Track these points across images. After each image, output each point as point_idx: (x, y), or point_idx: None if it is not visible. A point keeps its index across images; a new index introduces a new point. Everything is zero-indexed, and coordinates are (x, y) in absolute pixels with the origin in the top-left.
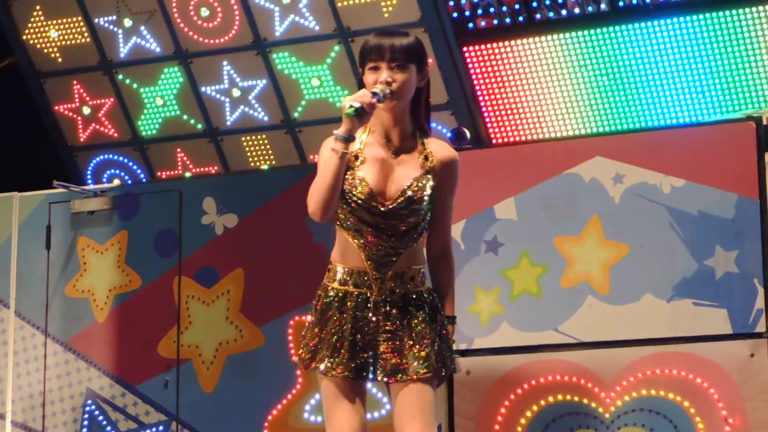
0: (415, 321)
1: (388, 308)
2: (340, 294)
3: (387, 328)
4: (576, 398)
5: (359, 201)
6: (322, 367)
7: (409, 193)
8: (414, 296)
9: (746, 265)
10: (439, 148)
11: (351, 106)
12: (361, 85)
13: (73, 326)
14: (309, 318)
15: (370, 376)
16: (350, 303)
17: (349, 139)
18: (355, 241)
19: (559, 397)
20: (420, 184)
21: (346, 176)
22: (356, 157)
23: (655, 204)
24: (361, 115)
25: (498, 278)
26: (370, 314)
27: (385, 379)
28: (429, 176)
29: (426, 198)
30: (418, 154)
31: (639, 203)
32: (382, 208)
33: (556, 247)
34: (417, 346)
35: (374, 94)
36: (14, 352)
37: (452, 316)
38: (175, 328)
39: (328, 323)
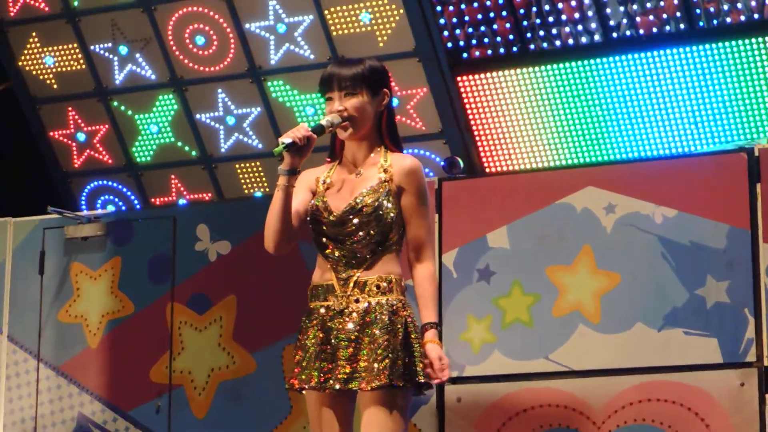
0: (375, 331)
1: (348, 318)
2: (312, 309)
3: (344, 336)
4: (567, 426)
5: (312, 215)
6: (296, 384)
7: (358, 199)
8: (377, 303)
9: (737, 294)
10: (397, 160)
11: (281, 143)
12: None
13: (65, 351)
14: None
15: (335, 386)
16: (318, 316)
17: (291, 171)
18: (323, 257)
19: (551, 425)
20: (372, 193)
21: (312, 200)
22: (324, 182)
23: (647, 234)
24: (297, 150)
25: (490, 307)
26: (334, 324)
27: (338, 387)
28: (386, 184)
29: (378, 204)
30: (379, 168)
31: (631, 233)
32: (332, 218)
33: (548, 276)
34: (373, 356)
35: (319, 125)
36: (6, 376)
37: (433, 322)
38: (167, 354)
39: (303, 341)
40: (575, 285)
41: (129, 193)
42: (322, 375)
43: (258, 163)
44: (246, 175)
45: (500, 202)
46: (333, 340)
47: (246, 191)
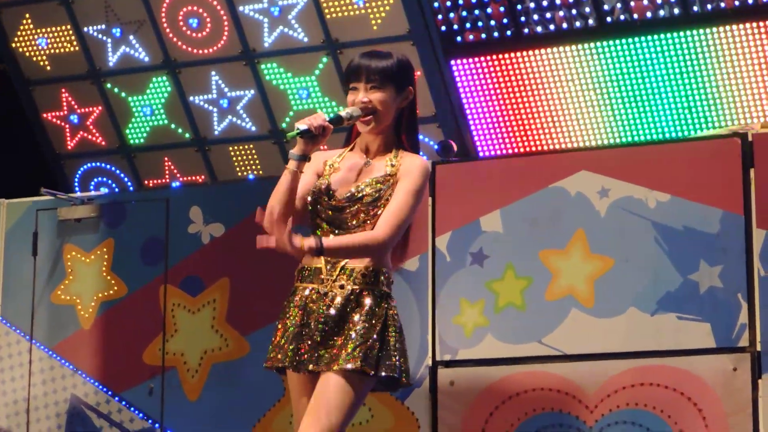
0: (355, 317)
1: (330, 302)
2: (296, 289)
3: (324, 320)
4: (560, 410)
5: (315, 195)
6: (269, 363)
7: (361, 187)
8: (361, 291)
9: (730, 279)
10: (409, 159)
11: (297, 129)
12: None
13: (58, 333)
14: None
15: (308, 366)
16: (300, 297)
17: (302, 157)
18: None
19: (543, 408)
20: (375, 184)
21: (316, 182)
22: (331, 166)
23: (641, 218)
24: (311, 137)
25: (483, 290)
26: (316, 306)
27: (310, 368)
28: (390, 179)
29: (378, 195)
30: (387, 163)
31: (624, 217)
32: (333, 202)
33: (541, 260)
34: (347, 341)
35: (337, 116)
36: None
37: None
38: (160, 336)
39: (283, 320)
40: (568, 269)
41: (122, 175)
42: (297, 355)
43: (251, 146)
44: (239, 158)
45: (494, 186)
46: (312, 323)
47: (239, 174)
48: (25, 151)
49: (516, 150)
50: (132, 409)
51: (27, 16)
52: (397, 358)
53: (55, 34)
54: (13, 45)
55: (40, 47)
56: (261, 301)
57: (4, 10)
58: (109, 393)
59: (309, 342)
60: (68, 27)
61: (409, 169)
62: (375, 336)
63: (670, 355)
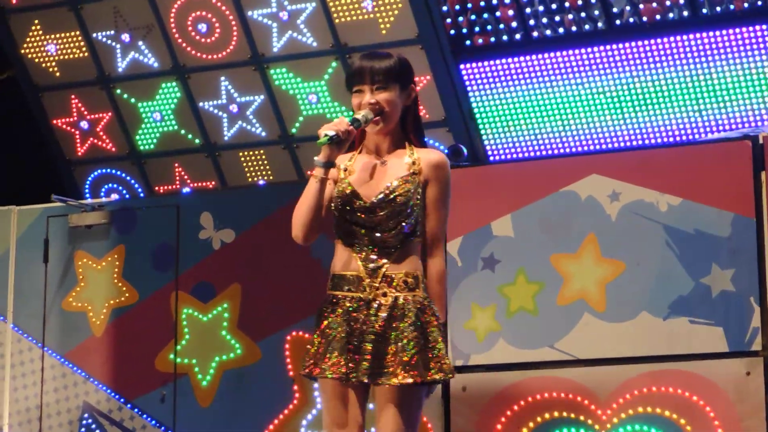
0: (403, 325)
1: (377, 311)
2: (335, 299)
3: (374, 329)
4: (572, 415)
5: (343, 201)
6: (316, 371)
7: (391, 188)
8: (404, 301)
9: (742, 283)
10: (426, 153)
11: (325, 135)
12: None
13: (70, 340)
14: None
15: (363, 379)
16: (342, 307)
17: (327, 164)
18: (348, 245)
19: (555, 414)
20: (403, 183)
21: (335, 187)
22: (345, 170)
23: (652, 222)
24: (337, 142)
25: (495, 295)
26: (361, 316)
27: (365, 381)
28: (415, 177)
29: (409, 195)
30: (407, 159)
31: (635, 221)
32: (366, 204)
33: (552, 265)
34: (402, 352)
35: (354, 120)
36: (11, 365)
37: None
38: (172, 343)
39: (324, 329)
40: (580, 273)
41: (132, 182)
42: (348, 367)
43: (261, 151)
44: (249, 163)
45: (504, 190)
46: (359, 333)
47: (249, 179)
48: (35, 158)
49: (526, 154)
50: (144, 416)
51: (36, 22)
52: (444, 356)
53: (65, 40)
54: (23, 51)
55: (49, 53)
56: (272, 307)
57: (13, 17)
58: (122, 400)
59: (359, 353)
60: (77, 33)
61: (437, 176)
62: (425, 342)
63: (683, 359)
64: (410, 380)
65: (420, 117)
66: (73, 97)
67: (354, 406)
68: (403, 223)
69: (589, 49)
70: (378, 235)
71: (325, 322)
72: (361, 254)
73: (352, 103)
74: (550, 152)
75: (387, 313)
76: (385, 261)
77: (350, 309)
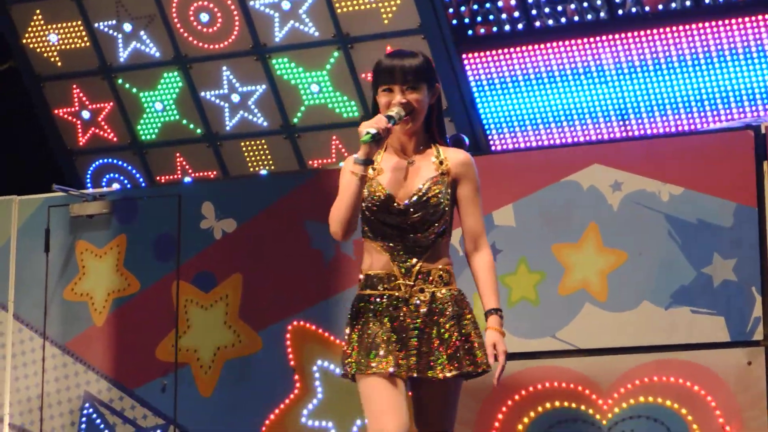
0: (443, 320)
1: (416, 307)
2: (373, 298)
3: (416, 325)
4: (573, 405)
5: (378, 203)
6: (360, 368)
7: (424, 189)
8: (441, 295)
9: (744, 273)
10: (452, 153)
11: (368, 133)
12: (375, 105)
13: (71, 329)
14: (346, 331)
15: (411, 374)
16: (381, 305)
17: (367, 162)
18: (381, 245)
19: (557, 403)
20: (435, 184)
21: (365, 188)
22: (373, 169)
23: (654, 212)
24: (378, 140)
25: None
26: (401, 314)
27: (414, 375)
28: (445, 177)
29: (441, 196)
30: (434, 159)
31: (637, 211)
32: (401, 206)
33: (554, 254)
34: (444, 346)
35: (389, 117)
36: (12, 355)
37: (496, 308)
38: (173, 332)
39: (364, 328)
40: (581, 263)
41: (134, 171)
42: (397, 364)
43: (263, 141)
44: (251, 153)
45: (506, 180)
46: (402, 330)
47: (251, 169)
48: (36, 148)
49: (528, 144)
50: (145, 405)
51: (37, 12)
52: (479, 349)
53: (66, 30)
54: (24, 41)
55: (50, 43)
56: (273, 296)
57: (14, 7)
58: (123, 389)
59: (405, 350)
60: (79, 23)
61: (468, 174)
62: (465, 334)
63: (684, 349)
64: (455, 372)
65: (442, 115)
66: (74, 87)
67: (402, 402)
68: (436, 224)
69: (592, 39)
70: (411, 236)
71: (362, 322)
72: (394, 254)
73: (379, 102)
74: (551, 142)
75: (427, 308)
76: (418, 260)
77: (389, 307)
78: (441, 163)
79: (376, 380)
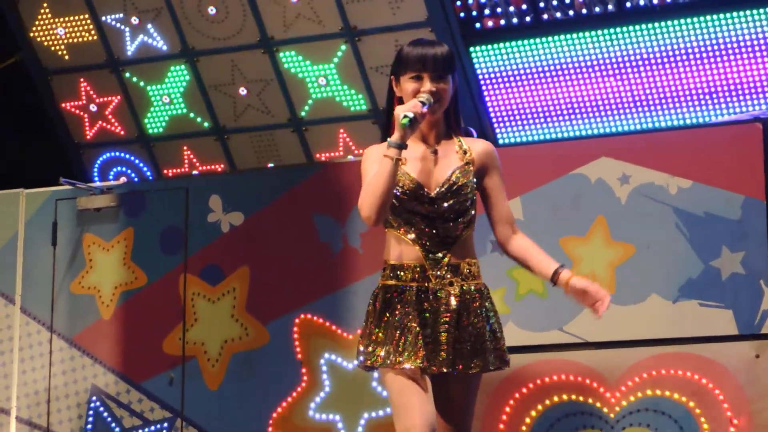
0: (472, 315)
1: (446, 299)
2: (399, 289)
3: (446, 319)
4: (581, 398)
5: (408, 191)
6: (388, 362)
7: (453, 178)
8: (470, 289)
9: (752, 266)
10: (475, 143)
11: (405, 116)
12: (391, 91)
13: (78, 323)
14: (368, 321)
15: (443, 369)
16: (410, 297)
17: (401, 146)
18: (409, 235)
19: (564, 396)
20: (462, 173)
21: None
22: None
23: (662, 204)
24: (414, 124)
25: (504, 278)
26: (431, 306)
27: (445, 370)
28: (470, 167)
29: (468, 185)
30: (457, 149)
31: (645, 204)
32: (432, 194)
33: (562, 247)
34: (473, 340)
35: (423, 103)
36: (20, 348)
37: (560, 264)
38: (180, 326)
39: (391, 319)
40: (589, 256)
41: (141, 165)
42: (428, 358)
43: (270, 134)
44: (258, 146)
45: (514, 173)
46: (432, 323)
47: (258, 162)
48: (43, 141)
49: (536, 137)
50: (152, 398)
51: (45, 5)
52: (504, 345)
53: (73, 24)
54: (32, 35)
55: (58, 36)
56: (281, 289)
57: (22, 0)
58: (130, 383)
59: (436, 344)
60: (86, 16)
61: (493, 163)
62: (491, 329)
63: (692, 342)
64: (478, 369)
65: (459, 106)
66: (81, 80)
67: (429, 396)
68: (464, 212)
69: (599, 32)
70: (440, 226)
71: (389, 313)
72: (422, 244)
73: (406, 89)
74: (559, 135)
75: (457, 302)
76: (447, 251)
77: (419, 299)
78: (465, 152)
79: (405, 374)
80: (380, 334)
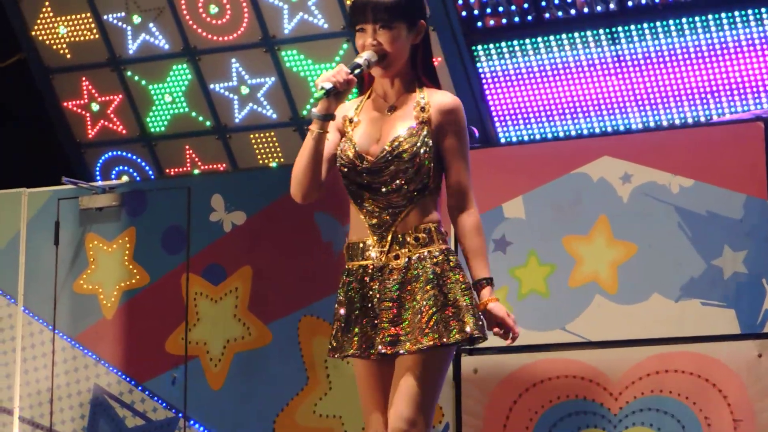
0: (418, 286)
1: (388, 275)
2: (350, 272)
3: (386, 297)
4: (584, 397)
5: (345, 163)
6: (336, 352)
7: (396, 143)
8: (418, 258)
9: (754, 265)
10: (437, 97)
11: (321, 89)
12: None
13: (81, 322)
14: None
15: (381, 351)
16: (356, 278)
17: (326, 117)
18: (357, 208)
19: (567, 396)
20: (410, 136)
21: (340, 143)
22: (351, 121)
23: (664, 204)
24: (336, 94)
25: (506, 277)
26: (376, 285)
27: (384, 352)
28: (424, 126)
29: (416, 150)
30: (415, 106)
31: (647, 203)
32: (366, 164)
33: (564, 247)
34: (419, 314)
35: (356, 66)
36: (22, 347)
37: (487, 277)
38: (183, 325)
39: (342, 305)
40: (592, 255)
41: (143, 164)
42: (364, 341)
43: (272, 133)
44: (260, 145)
45: (516, 172)
46: (374, 302)
47: (260, 161)
48: (45, 141)
49: (538, 136)
50: (155, 398)
51: (46, 4)
52: (466, 313)
53: (75, 22)
54: (33, 33)
55: (60, 35)
56: (283, 289)
57: None
58: (132, 382)
59: (375, 324)
60: (88, 15)
61: (449, 120)
62: (444, 299)
63: (695, 341)
64: (430, 343)
65: (431, 55)
66: (83, 79)
67: (376, 384)
68: (410, 179)
69: (602, 30)
70: (385, 196)
71: (341, 298)
72: (370, 218)
73: (356, 44)
74: (561, 134)
75: (400, 276)
76: (393, 222)
77: (364, 280)
78: (423, 109)
79: (357, 364)
80: (335, 323)
